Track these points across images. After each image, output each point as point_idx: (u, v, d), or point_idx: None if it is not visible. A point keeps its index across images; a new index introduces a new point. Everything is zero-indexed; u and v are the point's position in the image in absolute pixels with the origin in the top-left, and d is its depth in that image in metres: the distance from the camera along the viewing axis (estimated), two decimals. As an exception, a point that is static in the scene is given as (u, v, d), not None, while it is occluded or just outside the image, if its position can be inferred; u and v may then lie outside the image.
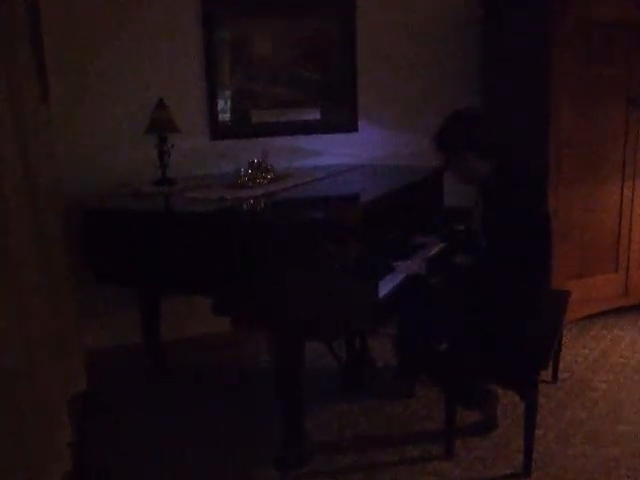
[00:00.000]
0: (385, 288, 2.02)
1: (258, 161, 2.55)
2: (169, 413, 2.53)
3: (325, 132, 3.12)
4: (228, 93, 2.95)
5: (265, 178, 2.53)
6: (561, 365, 2.68)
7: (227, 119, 2.97)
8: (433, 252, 2.33)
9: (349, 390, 2.59)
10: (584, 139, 3.01)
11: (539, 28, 2.90)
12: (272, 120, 3.03)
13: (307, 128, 3.09)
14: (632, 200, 3.18)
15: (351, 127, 3.17)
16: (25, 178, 1.73)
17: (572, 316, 3.06)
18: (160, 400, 2.65)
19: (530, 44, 2.98)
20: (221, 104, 2.94)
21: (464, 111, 2.17)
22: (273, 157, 2.66)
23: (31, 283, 1.70)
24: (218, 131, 2.95)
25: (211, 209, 2.21)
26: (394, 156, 3.23)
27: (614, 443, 2.21)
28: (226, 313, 2.15)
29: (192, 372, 2.89)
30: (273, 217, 2.15)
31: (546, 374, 2.56)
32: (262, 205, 2.29)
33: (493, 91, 3.28)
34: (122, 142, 2.79)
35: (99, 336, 2.88)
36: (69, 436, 1.92)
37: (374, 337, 2.93)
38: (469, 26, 3.30)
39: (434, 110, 3.18)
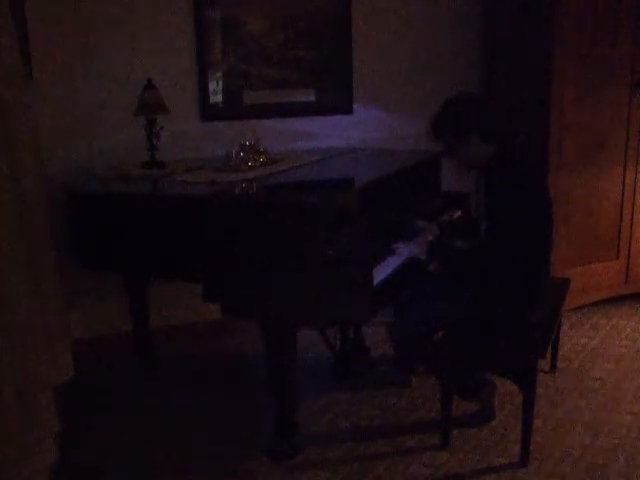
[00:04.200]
0: (380, 275, 1.97)
1: (250, 144, 2.50)
2: (158, 403, 2.49)
3: (319, 114, 3.05)
4: (219, 74, 2.87)
5: (257, 161, 2.48)
6: (560, 354, 2.64)
7: (218, 100, 2.89)
8: (432, 236, 2.28)
9: (343, 380, 2.55)
10: (586, 123, 2.95)
11: (542, 8, 2.81)
12: (265, 101, 2.96)
13: (301, 110, 3.02)
14: (634, 186, 3.12)
15: (346, 109, 3.10)
16: (7, 160, 1.67)
17: (571, 304, 3.02)
18: (149, 390, 2.60)
19: (532, 24, 2.90)
20: (212, 85, 2.87)
21: (465, 94, 2.15)
22: (266, 139, 2.61)
23: (14, 267, 1.64)
24: (209, 112, 2.88)
25: (202, 193, 2.16)
26: (390, 139, 3.16)
27: (613, 433, 2.18)
28: (216, 300, 2.09)
29: (183, 361, 2.85)
30: (265, 201, 2.09)
31: (544, 363, 2.54)
32: (254, 189, 2.23)
33: (493, 73, 3.22)
34: (110, 124, 2.72)
35: (86, 325, 2.83)
36: (55, 426, 1.87)
37: (369, 325, 2.89)
38: (469, 6, 3.21)
39: (431, 92, 3.13)
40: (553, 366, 2.61)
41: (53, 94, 2.61)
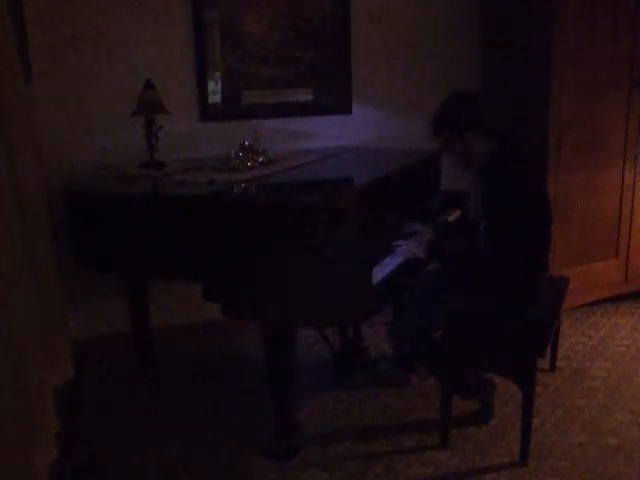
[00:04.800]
0: (380, 274, 1.97)
1: (249, 144, 2.50)
2: (158, 403, 2.49)
3: (318, 114, 3.05)
4: (218, 74, 2.87)
5: (256, 161, 2.48)
6: (559, 353, 2.64)
7: (217, 100, 2.89)
8: (431, 236, 2.28)
9: (343, 379, 2.55)
10: (585, 121, 2.95)
11: (541, 7, 2.81)
12: (263, 101, 2.95)
13: (299, 109, 3.01)
14: (633, 185, 3.12)
15: (345, 109, 3.10)
16: (7, 161, 1.67)
17: (571, 303, 3.02)
18: (149, 390, 2.60)
19: (531, 23, 2.90)
20: (211, 85, 2.87)
21: (465, 92, 2.16)
22: (265, 139, 2.61)
23: (14, 268, 1.64)
24: (208, 113, 2.88)
25: (200, 192, 2.16)
26: (389, 139, 3.16)
27: (612, 432, 2.18)
28: (217, 300, 2.09)
29: (183, 361, 2.85)
30: (264, 201, 2.10)
31: (544, 362, 2.53)
32: (253, 189, 2.23)
33: (493, 72, 3.22)
34: (108, 124, 2.72)
35: (86, 325, 2.83)
36: (55, 426, 1.87)
37: (368, 325, 2.89)
38: (468, 5, 3.21)
39: (430, 91, 3.13)
40: (552, 365, 2.61)
41: (53, 94, 2.61)
